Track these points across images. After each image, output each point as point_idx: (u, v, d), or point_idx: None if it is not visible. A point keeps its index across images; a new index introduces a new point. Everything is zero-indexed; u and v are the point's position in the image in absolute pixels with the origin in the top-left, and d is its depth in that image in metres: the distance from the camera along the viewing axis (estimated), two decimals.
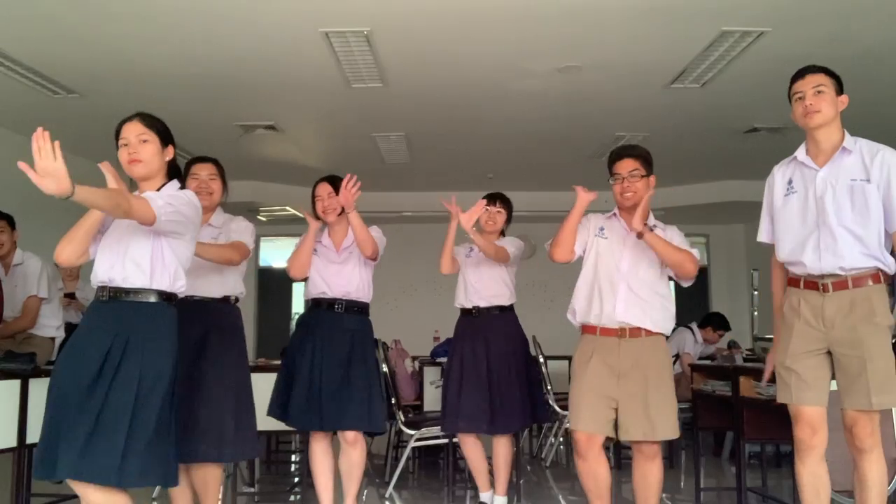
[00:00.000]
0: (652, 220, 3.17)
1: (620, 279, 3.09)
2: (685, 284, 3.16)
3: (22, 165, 2.11)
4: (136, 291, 2.50)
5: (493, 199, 4.09)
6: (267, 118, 6.71)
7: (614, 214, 3.23)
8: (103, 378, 2.38)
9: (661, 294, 3.13)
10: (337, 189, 3.56)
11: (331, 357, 3.50)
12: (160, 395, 2.44)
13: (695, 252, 3.11)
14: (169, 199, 2.49)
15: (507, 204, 4.10)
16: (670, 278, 3.19)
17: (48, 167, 2.14)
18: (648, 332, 3.07)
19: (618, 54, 5.19)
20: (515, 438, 4.72)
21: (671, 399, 3.07)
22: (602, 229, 3.20)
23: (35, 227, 4.96)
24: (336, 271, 3.59)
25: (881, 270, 2.72)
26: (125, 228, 2.52)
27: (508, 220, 4.12)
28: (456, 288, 4.12)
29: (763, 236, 3.00)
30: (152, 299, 2.51)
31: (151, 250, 2.51)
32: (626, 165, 3.14)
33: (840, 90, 2.80)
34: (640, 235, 3.02)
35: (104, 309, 2.51)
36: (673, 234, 3.17)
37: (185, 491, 3.18)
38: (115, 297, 2.50)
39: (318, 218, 3.65)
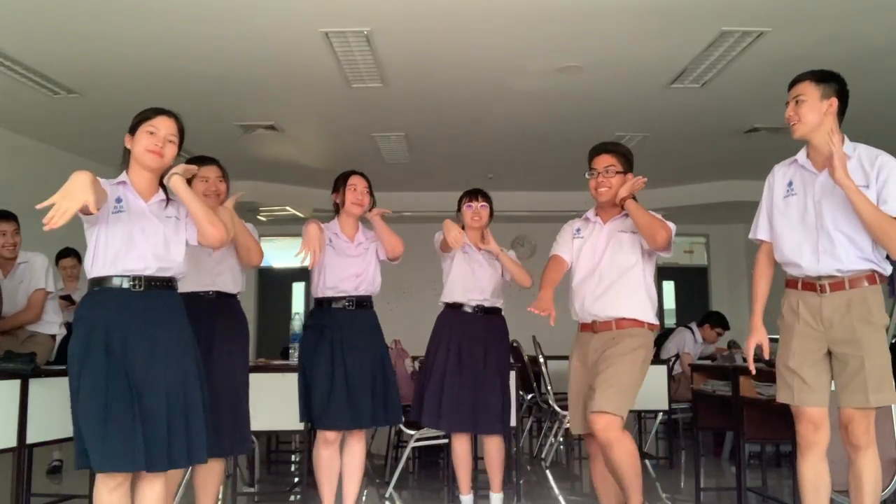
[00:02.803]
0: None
1: (595, 272, 3.12)
2: (664, 255, 3.17)
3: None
4: (166, 280, 2.59)
5: (474, 195, 4.03)
6: (267, 118, 6.72)
7: (587, 218, 3.27)
8: (172, 370, 2.50)
9: (636, 284, 3.12)
10: (370, 188, 3.70)
11: (353, 356, 3.50)
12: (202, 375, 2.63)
13: (671, 226, 3.09)
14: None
15: (488, 199, 4.06)
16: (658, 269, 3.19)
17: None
18: (620, 324, 3.06)
19: (618, 54, 5.19)
20: (515, 438, 4.72)
21: (626, 376, 2.99)
22: (578, 230, 3.25)
23: (35, 227, 4.95)
24: (353, 265, 3.59)
25: (876, 272, 2.76)
26: (152, 218, 2.58)
27: (491, 214, 4.05)
28: (446, 282, 4.06)
29: (757, 233, 2.99)
30: (174, 288, 2.64)
31: (185, 244, 2.64)
32: (603, 161, 3.16)
33: (827, 94, 2.79)
34: (622, 203, 3.06)
35: (141, 299, 2.52)
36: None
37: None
38: (149, 288, 2.54)
39: (337, 210, 3.68)
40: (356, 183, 3.65)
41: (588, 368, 3.10)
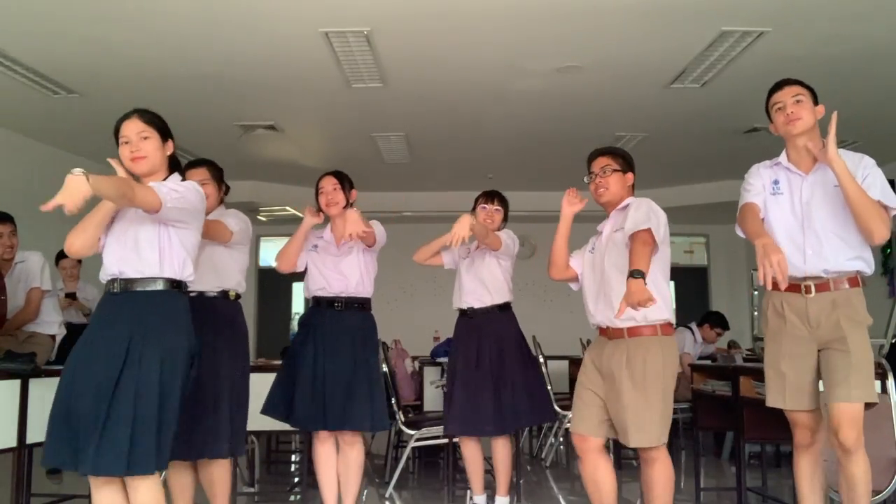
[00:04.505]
0: (628, 200, 3.11)
1: (603, 280, 3.06)
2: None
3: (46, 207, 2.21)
4: (147, 281, 2.53)
5: (490, 197, 4.05)
6: (267, 118, 6.72)
7: (598, 231, 3.22)
8: (129, 370, 2.41)
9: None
10: (342, 183, 3.61)
11: (334, 357, 3.49)
12: (181, 379, 2.50)
13: (649, 225, 2.87)
14: (174, 186, 2.54)
15: (504, 202, 4.07)
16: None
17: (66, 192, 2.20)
18: (631, 332, 2.95)
19: (618, 54, 5.19)
20: (515, 438, 4.72)
21: (653, 404, 2.86)
22: (594, 245, 3.22)
23: (35, 227, 4.96)
24: (333, 265, 3.58)
25: (860, 273, 2.80)
26: (131, 219, 2.54)
27: (505, 218, 4.08)
28: (455, 288, 4.11)
29: (749, 198, 2.91)
30: (163, 287, 2.55)
31: (159, 239, 2.54)
32: (600, 163, 3.16)
33: (815, 101, 2.87)
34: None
35: (117, 301, 2.53)
36: (637, 210, 2.99)
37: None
38: (126, 289, 2.52)
39: (320, 211, 3.65)
40: (323, 185, 3.63)
41: (601, 375, 3.01)
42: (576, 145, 7.48)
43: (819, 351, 2.77)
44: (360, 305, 3.62)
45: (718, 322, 6.72)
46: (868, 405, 2.71)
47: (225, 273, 3.31)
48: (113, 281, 2.53)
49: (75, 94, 5.87)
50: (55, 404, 2.45)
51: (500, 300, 3.99)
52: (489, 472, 4.19)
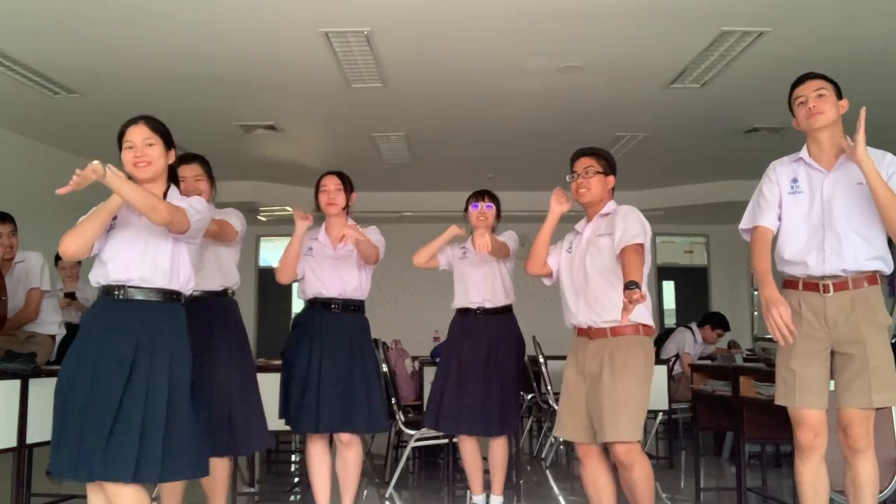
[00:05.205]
0: (611, 206, 3.15)
1: (584, 281, 3.09)
2: None
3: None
4: (155, 291, 2.53)
5: (481, 195, 4.01)
6: (267, 118, 6.72)
7: (576, 230, 3.24)
8: (136, 380, 2.42)
9: (621, 287, 2.93)
10: (344, 185, 3.60)
11: (330, 358, 3.48)
12: (187, 389, 2.52)
13: (643, 239, 2.96)
14: (198, 207, 2.58)
15: (495, 200, 4.04)
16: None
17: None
18: (615, 331, 2.99)
19: (618, 54, 5.19)
20: (515, 438, 4.72)
21: (629, 400, 2.91)
22: (570, 244, 3.24)
23: (35, 227, 4.96)
24: (332, 268, 3.57)
25: (878, 272, 2.76)
26: (141, 228, 2.54)
27: (498, 216, 4.06)
28: (454, 289, 4.09)
29: (760, 220, 2.89)
30: (169, 298, 2.56)
31: (171, 252, 2.56)
32: (582, 163, 3.20)
33: (840, 95, 2.84)
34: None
35: (122, 308, 2.51)
36: (626, 219, 3.03)
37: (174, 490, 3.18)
38: (132, 297, 2.51)
39: (318, 209, 3.63)
40: (326, 183, 3.61)
41: (585, 379, 3.05)
42: (576, 145, 7.41)
43: (833, 353, 2.73)
44: (355, 307, 3.62)
45: (720, 323, 6.72)
46: None
47: (227, 271, 3.34)
48: (119, 287, 2.51)
49: (75, 94, 5.87)
50: (60, 415, 2.43)
51: (509, 301, 4.01)
52: (488, 471, 4.18)
